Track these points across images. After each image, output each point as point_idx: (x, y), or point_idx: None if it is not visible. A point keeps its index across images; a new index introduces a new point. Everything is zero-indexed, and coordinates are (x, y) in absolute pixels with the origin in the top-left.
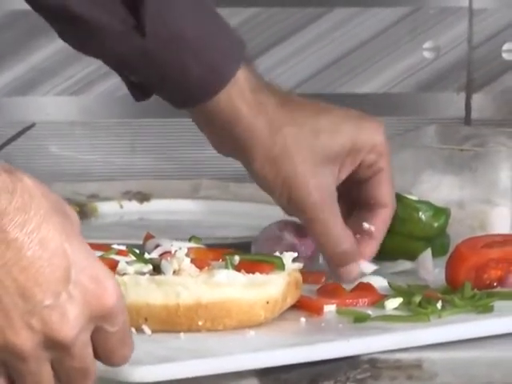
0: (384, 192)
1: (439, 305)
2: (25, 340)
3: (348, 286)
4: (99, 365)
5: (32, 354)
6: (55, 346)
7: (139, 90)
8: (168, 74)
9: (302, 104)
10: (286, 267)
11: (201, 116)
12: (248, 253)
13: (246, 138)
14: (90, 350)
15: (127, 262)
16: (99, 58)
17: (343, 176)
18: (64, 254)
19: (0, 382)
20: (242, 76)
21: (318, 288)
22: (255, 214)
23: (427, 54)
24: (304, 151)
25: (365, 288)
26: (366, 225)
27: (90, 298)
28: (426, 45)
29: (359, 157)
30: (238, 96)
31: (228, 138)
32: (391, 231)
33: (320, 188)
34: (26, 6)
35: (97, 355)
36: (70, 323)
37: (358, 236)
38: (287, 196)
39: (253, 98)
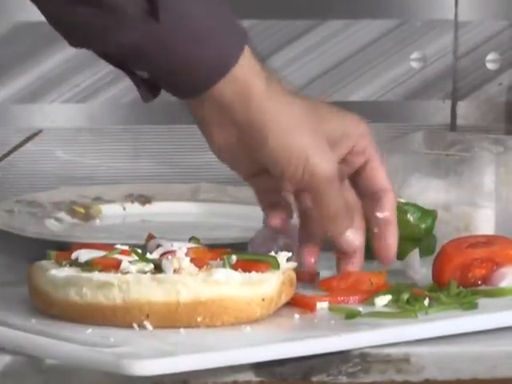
0: (380, 175)
1: (426, 302)
2: None
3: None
4: (101, 359)
5: None
6: None
7: (147, 87)
8: (180, 60)
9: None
10: (281, 266)
11: (209, 105)
12: (245, 253)
13: (260, 111)
14: None
15: (130, 262)
16: (108, 50)
17: (338, 157)
18: None
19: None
20: (248, 53)
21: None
22: (251, 215)
23: (414, 64)
24: (312, 126)
25: (356, 285)
26: (379, 214)
27: None
28: (414, 55)
29: (350, 142)
30: (250, 70)
31: (239, 127)
32: None
33: (330, 160)
34: (34, 18)
35: None
36: None
37: (376, 230)
38: (303, 167)
39: (262, 72)
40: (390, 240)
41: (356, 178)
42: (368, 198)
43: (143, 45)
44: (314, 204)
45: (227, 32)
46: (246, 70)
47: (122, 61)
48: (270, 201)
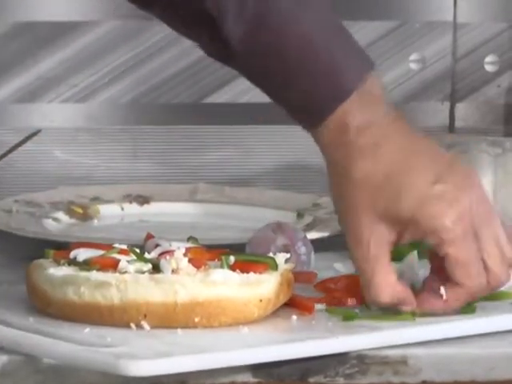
0: (453, 274)
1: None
2: None
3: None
4: (99, 359)
5: None
6: None
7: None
8: (279, 96)
9: (402, 149)
10: (279, 267)
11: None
12: (243, 253)
13: (326, 164)
14: None
15: (128, 261)
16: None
17: (404, 240)
18: None
19: None
20: (356, 98)
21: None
22: (250, 216)
23: (413, 66)
24: (369, 201)
25: (354, 287)
26: (442, 289)
27: None
28: (412, 57)
29: (418, 233)
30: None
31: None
32: None
33: (371, 242)
34: (33, 18)
35: None
36: None
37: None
38: (344, 233)
39: (356, 123)
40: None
41: None
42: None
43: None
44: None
45: (333, 70)
46: (343, 115)
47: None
48: None
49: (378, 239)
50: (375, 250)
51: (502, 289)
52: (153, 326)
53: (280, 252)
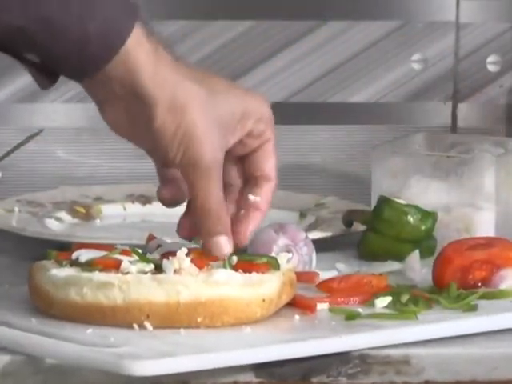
0: (270, 163)
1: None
2: None
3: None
4: (101, 360)
5: None
6: None
7: (42, 74)
8: (65, 38)
9: (193, 67)
10: (281, 267)
11: (100, 85)
12: (245, 253)
13: (146, 90)
14: None
15: (130, 262)
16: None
17: (231, 142)
18: None
19: None
20: (138, 30)
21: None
22: None
23: (415, 66)
24: (204, 106)
25: (356, 286)
26: (251, 197)
27: None
28: (415, 57)
29: (249, 124)
30: (137, 48)
31: (127, 101)
32: (381, 233)
33: (215, 149)
34: None
35: None
36: None
37: (242, 212)
38: (184, 149)
39: (152, 49)
40: (251, 226)
41: (245, 161)
42: (248, 181)
43: (27, 29)
44: (190, 194)
45: (113, 6)
46: (134, 46)
47: (9, 45)
48: (169, 176)
49: (218, 146)
50: (218, 158)
51: (504, 287)
52: (155, 327)
53: (282, 252)
